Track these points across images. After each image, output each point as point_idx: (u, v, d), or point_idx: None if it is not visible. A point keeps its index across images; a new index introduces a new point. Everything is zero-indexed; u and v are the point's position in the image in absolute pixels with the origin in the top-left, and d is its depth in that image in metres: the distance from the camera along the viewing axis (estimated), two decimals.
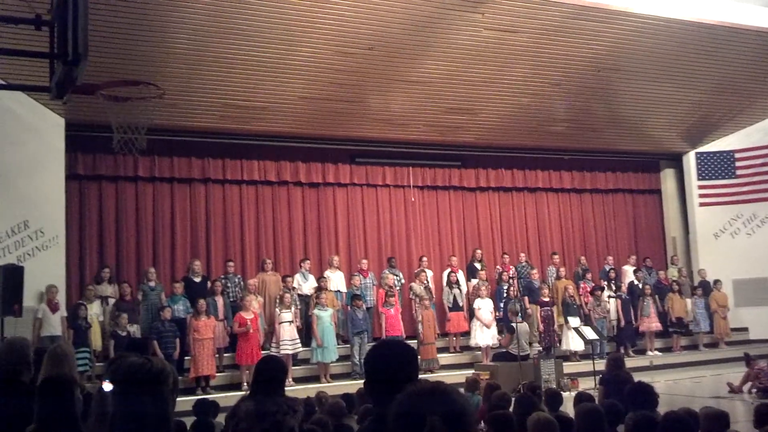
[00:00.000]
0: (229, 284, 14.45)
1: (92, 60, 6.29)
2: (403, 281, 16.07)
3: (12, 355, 4.40)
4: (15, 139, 12.65)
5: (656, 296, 17.27)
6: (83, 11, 5.72)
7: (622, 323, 16.50)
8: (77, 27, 5.71)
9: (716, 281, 17.94)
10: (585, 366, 14.49)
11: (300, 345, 13.87)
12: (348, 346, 14.39)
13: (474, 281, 16.24)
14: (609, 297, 16.62)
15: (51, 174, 13.18)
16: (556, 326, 15.87)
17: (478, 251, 17.04)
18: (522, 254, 17.58)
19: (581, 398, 6.83)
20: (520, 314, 14.83)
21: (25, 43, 8.70)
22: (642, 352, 16.81)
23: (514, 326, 14.19)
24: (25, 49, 8.40)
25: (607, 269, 17.71)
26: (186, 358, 13.19)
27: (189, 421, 6.96)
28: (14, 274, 11.10)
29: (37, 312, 12.33)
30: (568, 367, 14.63)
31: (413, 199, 17.34)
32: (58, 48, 6.03)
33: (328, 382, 13.46)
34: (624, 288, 17.08)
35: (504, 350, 14.75)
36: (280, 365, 4.56)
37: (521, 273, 16.90)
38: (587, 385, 12.81)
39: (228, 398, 9.42)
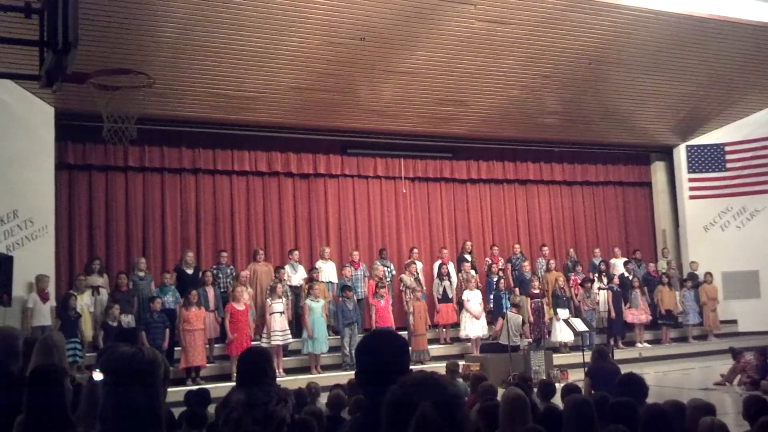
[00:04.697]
0: (220, 274, 14.41)
1: (82, 49, 6.25)
2: (394, 272, 16.08)
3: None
4: (4, 128, 12.58)
5: (645, 288, 17.36)
6: None
7: (612, 315, 16.54)
8: (67, 15, 5.67)
9: (706, 274, 18.03)
10: (575, 357, 14.54)
11: (290, 336, 13.88)
12: (338, 337, 14.39)
13: (462, 273, 16.26)
14: (599, 289, 16.68)
15: (40, 163, 13.11)
16: (546, 318, 15.92)
17: (468, 243, 17.05)
18: (516, 246, 17.62)
19: (569, 390, 6.84)
20: (516, 305, 14.98)
21: (15, 30, 8.64)
22: (631, 343, 16.89)
23: (505, 312, 14.36)
24: (14, 37, 8.33)
25: (597, 261, 17.78)
26: (176, 348, 13.17)
27: (179, 411, 6.94)
28: (3, 264, 11.04)
29: (27, 302, 12.29)
30: (558, 359, 14.70)
31: (404, 191, 17.33)
32: (48, 36, 5.99)
33: (319, 373, 13.47)
34: (615, 280, 17.13)
35: (492, 341, 14.82)
36: (262, 356, 4.41)
37: (515, 264, 16.96)
38: (577, 376, 12.84)
39: (218, 389, 9.40)
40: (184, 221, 15.31)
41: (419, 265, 16.17)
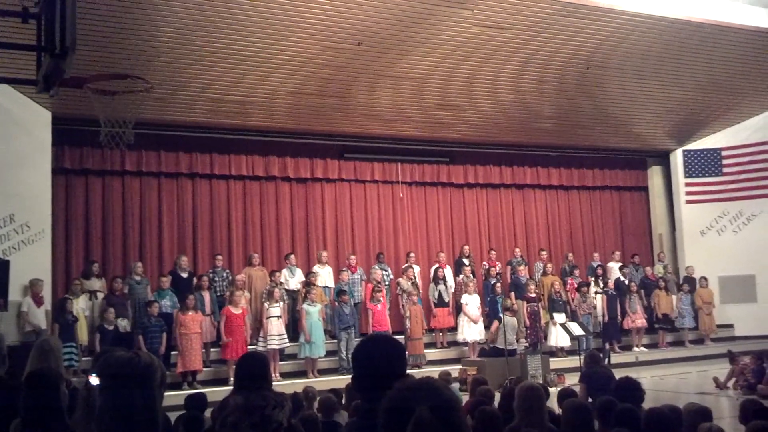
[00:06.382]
0: (216, 278, 14.40)
1: (80, 53, 6.26)
2: (391, 276, 16.08)
3: None
4: (1, 133, 12.58)
5: (642, 292, 17.37)
6: (71, 4, 5.68)
7: (607, 319, 16.54)
8: (65, 19, 5.67)
9: (702, 278, 18.05)
10: (571, 362, 14.55)
11: (287, 340, 13.88)
12: (335, 341, 14.38)
13: (461, 277, 16.26)
14: (595, 293, 16.68)
15: (37, 168, 13.11)
16: (542, 322, 15.92)
17: (466, 247, 17.07)
18: (517, 249, 17.65)
19: (565, 395, 6.84)
20: (510, 309, 14.97)
21: (12, 35, 8.65)
22: (628, 348, 16.90)
23: (501, 316, 14.35)
24: (11, 42, 8.33)
25: (594, 266, 17.79)
26: (173, 353, 13.15)
27: (175, 415, 6.93)
28: (0, 268, 11.03)
29: (22, 306, 12.27)
30: (555, 363, 14.71)
31: (401, 195, 17.35)
32: (45, 41, 5.98)
33: (316, 378, 13.45)
34: (610, 284, 17.15)
35: (490, 346, 14.81)
36: (261, 360, 4.45)
37: (515, 268, 16.97)
38: (573, 380, 12.84)
39: (215, 393, 9.39)
40: (181, 226, 15.30)
41: (417, 269, 16.18)
